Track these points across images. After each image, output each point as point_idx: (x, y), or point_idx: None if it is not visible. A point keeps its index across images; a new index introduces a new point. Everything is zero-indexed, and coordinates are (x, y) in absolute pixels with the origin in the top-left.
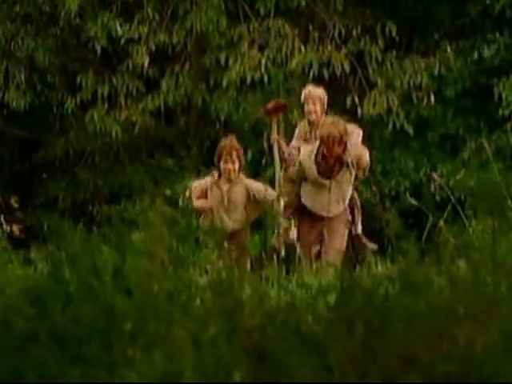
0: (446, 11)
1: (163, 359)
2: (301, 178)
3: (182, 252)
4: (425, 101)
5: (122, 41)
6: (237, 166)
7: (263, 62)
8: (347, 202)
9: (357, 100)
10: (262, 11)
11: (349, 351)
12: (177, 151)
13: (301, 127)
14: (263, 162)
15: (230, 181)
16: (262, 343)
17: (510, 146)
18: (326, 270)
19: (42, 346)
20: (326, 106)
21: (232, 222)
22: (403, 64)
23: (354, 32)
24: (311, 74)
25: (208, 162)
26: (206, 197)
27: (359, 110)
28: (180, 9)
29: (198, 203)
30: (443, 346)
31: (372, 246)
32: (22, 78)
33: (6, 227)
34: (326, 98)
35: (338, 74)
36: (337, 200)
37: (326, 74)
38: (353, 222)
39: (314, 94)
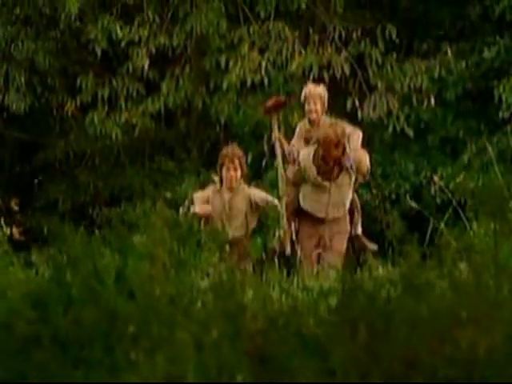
0: (446, 14)
1: (165, 362)
2: (300, 180)
3: (184, 255)
4: (425, 103)
5: (123, 43)
6: (239, 173)
7: (263, 64)
8: (348, 205)
9: (357, 103)
10: (262, 14)
11: (351, 354)
12: (177, 154)
13: (301, 126)
14: (263, 164)
15: (231, 189)
16: (264, 346)
17: (510, 149)
18: (327, 272)
19: (44, 350)
20: (326, 104)
21: (233, 229)
22: (403, 67)
23: (354, 35)
24: (311, 77)
25: (208, 164)
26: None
27: (359, 113)
28: (180, 11)
29: (198, 208)
30: (446, 349)
31: (372, 246)
32: (22, 80)
33: (6, 230)
34: (326, 96)
35: (338, 76)
36: (336, 203)
37: (326, 76)
38: (352, 222)
39: (315, 93)
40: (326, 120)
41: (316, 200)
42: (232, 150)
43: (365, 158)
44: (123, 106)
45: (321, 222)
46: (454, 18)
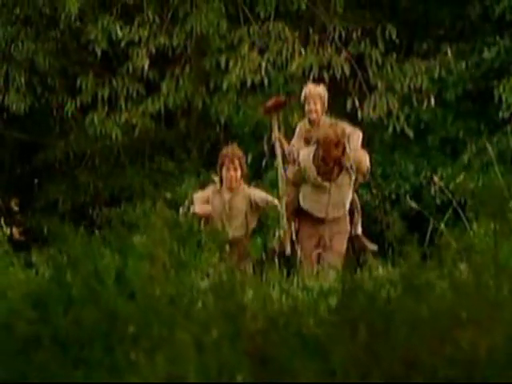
0: (446, 14)
1: (166, 362)
2: (300, 180)
3: (184, 255)
4: (425, 104)
5: (122, 43)
6: (239, 173)
7: (263, 64)
8: (348, 206)
9: (357, 103)
10: (262, 14)
11: (351, 354)
12: (177, 154)
13: (301, 126)
14: (263, 164)
15: (231, 189)
16: (265, 346)
17: (510, 149)
18: (327, 272)
19: (44, 350)
20: (326, 104)
21: (233, 229)
22: (403, 67)
23: (354, 35)
24: (311, 77)
25: (208, 164)
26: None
27: (359, 113)
28: (180, 11)
29: (198, 208)
30: (446, 350)
31: (372, 246)
32: (22, 80)
33: (6, 230)
34: (326, 96)
35: (338, 76)
36: (336, 203)
37: (326, 76)
38: (352, 223)
39: (315, 93)
40: (326, 120)
41: (316, 200)
42: (232, 150)
43: (365, 158)
44: (123, 106)
45: (321, 222)
46: (454, 19)
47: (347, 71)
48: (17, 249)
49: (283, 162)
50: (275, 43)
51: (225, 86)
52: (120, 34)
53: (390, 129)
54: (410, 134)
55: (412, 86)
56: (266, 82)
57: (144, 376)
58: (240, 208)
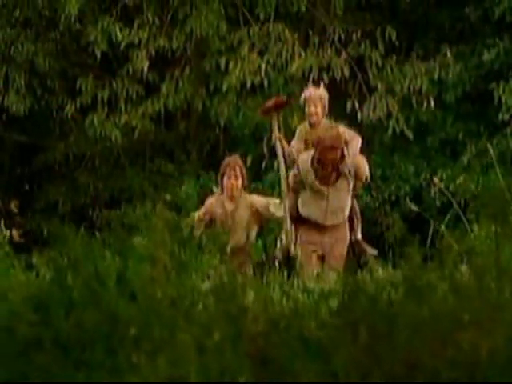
0: (446, 16)
1: (167, 365)
2: (299, 185)
3: (185, 257)
4: (425, 105)
5: (122, 45)
6: (239, 182)
7: (263, 66)
8: (347, 212)
9: (357, 105)
10: (261, 16)
11: (353, 356)
12: (177, 156)
13: (301, 129)
14: (263, 166)
15: (232, 198)
16: (266, 348)
17: (510, 151)
18: (328, 275)
19: (45, 352)
20: (327, 106)
21: (236, 239)
22: (403, 68)
23: (354, 36)
24: (311, 79)
25: (208, 166)
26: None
27: (359, 115)
28: (180, 13)
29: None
30: (447, 352)
31: (372, 251)
32: (22, 82)
33: (6, 232)
34: (327, 98)
35: (338, 78)
36: (335, 209)
37: (325, 78)
38: (352, 228)
39: (315, 96)
40: (325, 123)
41: (314, 206)
42: (234, 160)
43: (363, 163)
44: (123, 108)
45: (320, 228)
46: (453, 20)
47: (347, 73)
48: (17, 251)
49: (284, 162)
50: (275, 45)
51: (224, 87)
52: (120, 35)
53: (390, 130)
54: (410, 135)
55: (412, 88)
56: (265, 83)
57: (145, 378)
58: (243, 219)
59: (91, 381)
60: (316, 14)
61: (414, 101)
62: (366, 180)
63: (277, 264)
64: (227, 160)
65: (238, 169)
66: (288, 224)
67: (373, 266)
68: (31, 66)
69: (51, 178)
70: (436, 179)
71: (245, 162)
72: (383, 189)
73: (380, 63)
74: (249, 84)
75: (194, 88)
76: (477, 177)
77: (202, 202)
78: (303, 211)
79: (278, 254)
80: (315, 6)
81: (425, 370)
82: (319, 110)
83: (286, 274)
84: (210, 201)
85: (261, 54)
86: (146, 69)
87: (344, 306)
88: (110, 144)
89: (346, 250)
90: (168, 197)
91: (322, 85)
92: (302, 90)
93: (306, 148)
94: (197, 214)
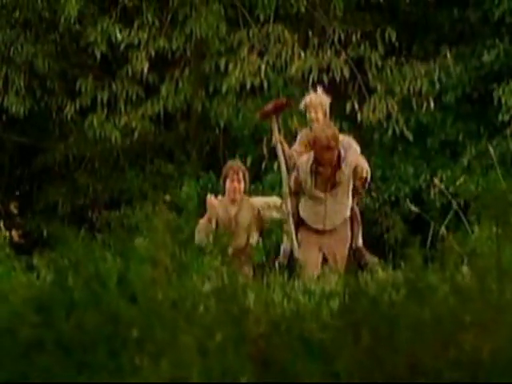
0: (446, 17)
1: (169, 366)
2: (299, 188)
3: (186, 259)
4: (424, 106)
5: (122, 46)
6: (242, 185)
7: (263, 67)
8: (347, 213)
9: (356, 106)
10: (261, 17)
11: (354, 358)
12: (176, 157)
13: (303, 133)
14: (263, 167)
15: (234, 201)
16: (268, 350)
17: (510, 152)
18: (329, 276)
19: (47, 354)
20: (328, 111)
21: (238, 242)
22: (403, 70)
23: (354, 38)
24: (311, 80)
25: (208, 167)
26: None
27: (359, 116)
28: (180, 14)
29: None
30: (449, 353)
31: (373, 259)
32: (22, 83)
33: (6, 233)
34: (327, 102)
35: (338, 79)
36: (333, 214)
37: (325, 79)
38: (352, 235)
39: (315, 102)
40: (323, 122)
41: (313, 212)
42: (237, 164)
43: (361, 161)
44: (123, 109)
45: (320, 232)
46: (453, 22)
47: (347, 74)
48: (17, 252)
49: (285, 165)
50: (275, 46)
51: (224, 88)
52: (119, 36)
53: (390, 131)
54: (410, 136)
55: (411, 89)
56: (265, 84)
57: (148, 379)
58: (245, 221)
59: (93, 382)
60: (316, 15)
61: (413, 102)
62: (366, 180)
63: (277, 265)
64: (230, 163)
65: (241, 173)
66: (291, 227)
67: (373, 267)
68: (31, 67)
69: (51, 179)
70: (436, 180)
71: (244, 163)
72: (383, 190)
73: (380, 64)
74: (248, 85)
75: (193, 89)
76: (477, 178)
77: (202, 203)
78: (303, 216)
79: (283, 260)
80: (315, 7)
81: (426, 371)
82: (320, 115)
83: (286, 275)
84: (213, 204)
85: (260, 55)
86: (145, 70)
87: (345, 308)
88: (109, 145)
89: (347, 250)
90: (168, 198)
91: (320, 89)
92: (301, 91)
93: (306, 151)
94: (202, 221)
